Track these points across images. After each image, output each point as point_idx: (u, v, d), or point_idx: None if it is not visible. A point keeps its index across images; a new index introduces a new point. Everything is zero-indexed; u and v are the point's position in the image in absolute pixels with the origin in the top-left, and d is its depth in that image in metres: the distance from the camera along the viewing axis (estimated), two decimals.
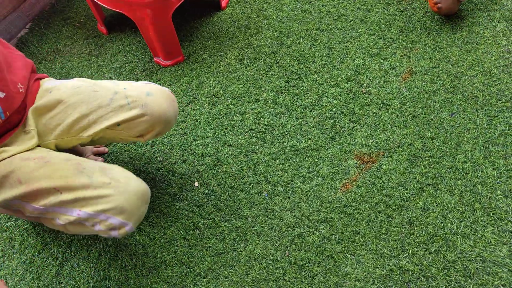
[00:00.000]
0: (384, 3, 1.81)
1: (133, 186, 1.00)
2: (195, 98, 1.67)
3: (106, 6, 1.66)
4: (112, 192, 0.96)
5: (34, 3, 2.04)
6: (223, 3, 1.95)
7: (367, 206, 1.28)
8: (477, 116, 1.39)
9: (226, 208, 1.37)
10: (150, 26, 1.62)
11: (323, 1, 1.89)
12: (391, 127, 1.44)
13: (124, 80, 1.76)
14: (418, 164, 1.33)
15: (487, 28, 1.60)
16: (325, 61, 1.68)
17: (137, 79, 1.76)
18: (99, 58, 1.86)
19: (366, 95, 1.54)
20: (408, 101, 1.49)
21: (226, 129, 1.56)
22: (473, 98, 1.44)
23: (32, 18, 2.05)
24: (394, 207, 1.26)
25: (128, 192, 0.98)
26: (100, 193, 0.96)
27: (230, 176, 1.44)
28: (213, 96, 1.66)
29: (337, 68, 1.64)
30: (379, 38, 1.70)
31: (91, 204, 0.97)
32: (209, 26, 1.90)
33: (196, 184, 1.44)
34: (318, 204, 1.32)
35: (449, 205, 1.23)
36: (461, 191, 1.25)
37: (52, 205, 0.98)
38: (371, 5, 1.82)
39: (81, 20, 2.02)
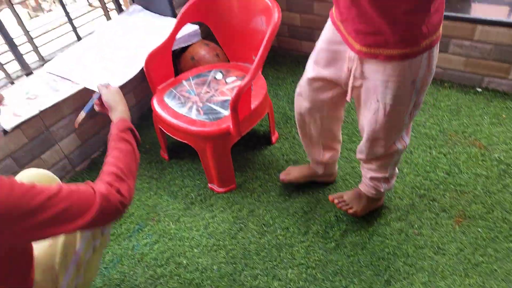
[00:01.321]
0: (425, 145, 1.76)
1: None
2: (245, 226, 1.56)
3: (174, 137, 1.69)
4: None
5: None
6: (273, 139, 1.96)
7: None
8: None
9: None
10: (210, 156, 1.61)
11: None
12: (451, 275, 1.24)
13: (179, 203, 1.70)
14: None
15: None
16: None
17: (192, 203, 1.69)
18: (158, 181, 1.83)
19: (419, 237, 1.38)
20: (465, 247, 1.31)
21: (275, 261, 1.41)
22: None
23: (105, 142, 2.12)
24: None
25: None
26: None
27: None
28: (263, 226, 1.54)
29: (386, 206, 1.52)
30: (425, 179, 1.60)
31: None
32: (260, 158, 1.88)
33: None
34: None
35: None
36: None
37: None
38: (413, 147, 1.76)
39: (147, 146, 2.07)
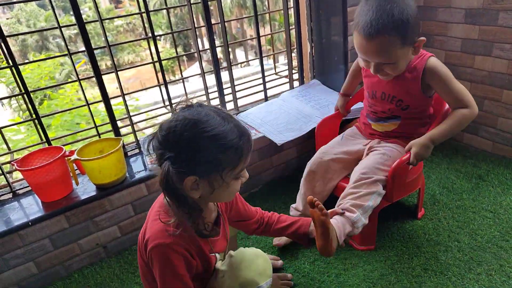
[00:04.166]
0: None
1: None
2: (374, 286, 1.64)
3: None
4: None
5: None
6: (419, 214, 2.00)
7: None
8: None
9: None
10: None
11: None
12: None
13: None
14: None
15: None
16: None
17: None
18: None
19: None
20: None
21: None
22: None
23: None
24: None
25: None
26: None
27: None
28: None
29: None
30: None
31: None
32: (401, 229, 1.94)
33: None
34: None
35: None
36: None
37: None
38: None
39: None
